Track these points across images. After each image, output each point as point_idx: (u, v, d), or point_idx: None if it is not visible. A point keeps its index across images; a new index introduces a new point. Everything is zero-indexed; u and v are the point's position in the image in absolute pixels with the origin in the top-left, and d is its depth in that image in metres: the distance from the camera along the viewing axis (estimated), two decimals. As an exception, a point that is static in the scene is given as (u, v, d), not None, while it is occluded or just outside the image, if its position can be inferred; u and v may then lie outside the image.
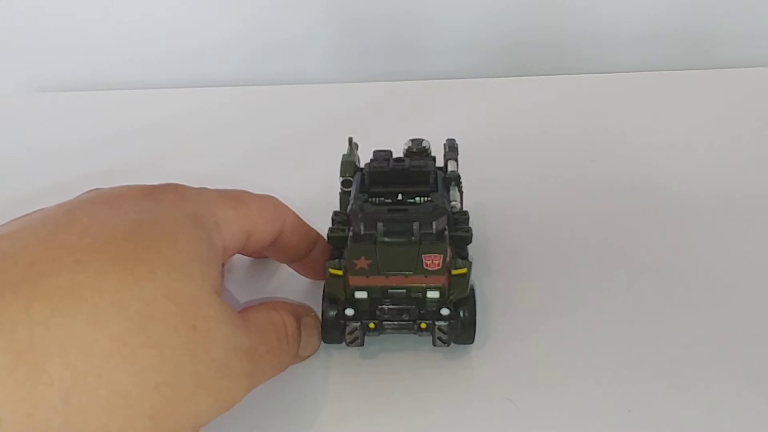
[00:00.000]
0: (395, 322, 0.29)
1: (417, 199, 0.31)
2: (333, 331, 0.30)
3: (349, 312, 0.29)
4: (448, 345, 0.30)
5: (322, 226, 0.32)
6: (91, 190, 0.26)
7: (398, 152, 0.33)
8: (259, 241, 0.29)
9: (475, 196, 0.36)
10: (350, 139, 0.35)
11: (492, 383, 0.29)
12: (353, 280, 0.28)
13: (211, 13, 0.57)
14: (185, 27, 0.58)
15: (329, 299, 0.29)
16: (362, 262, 0.28)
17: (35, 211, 0.25)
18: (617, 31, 0.57)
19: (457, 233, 0.30)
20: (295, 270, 0.34)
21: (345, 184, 0.33)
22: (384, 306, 0.29)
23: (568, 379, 0.30)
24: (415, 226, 0.28)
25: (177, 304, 0.23)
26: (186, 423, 0.23)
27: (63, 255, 0.22)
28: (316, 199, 0.33)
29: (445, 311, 0.29)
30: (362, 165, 0.33)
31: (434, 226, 0.28)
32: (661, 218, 0.39)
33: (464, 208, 0.32)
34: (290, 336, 0.28)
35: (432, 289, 0.28)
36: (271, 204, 0.30)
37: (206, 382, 0.23)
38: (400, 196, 0.31)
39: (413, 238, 0.28)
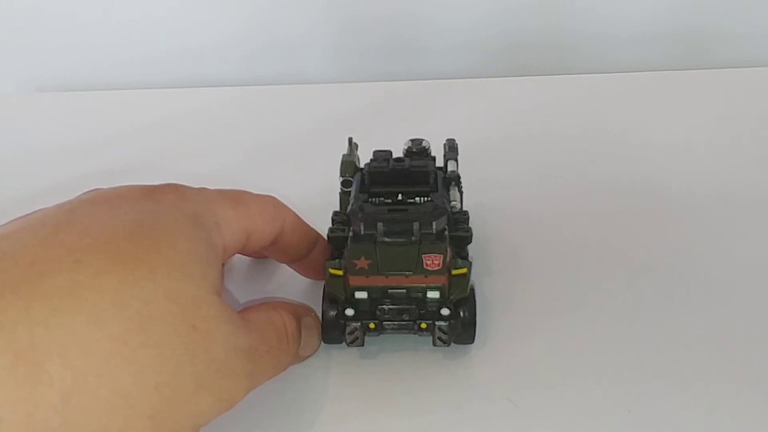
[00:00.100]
0: (395, 322, 0.29)
1: (417, 199, 0.31)
2: (333, 331, 0.30)
3: (349, 312, 0.29)
4: (448, 345, 0.30)
5: (322, 226, 0.32)
6: (91, 190, 0.26)
7: (398, 152, 0.33)
8: (259, 241, 0.29)
9: (475, 196, 0.36)
10: (350, 139, 0.35)
11: (492, 383, 0.29)
12: (353, 280, 0.28)
13: (211, 13, 0.57)
14: (185, 27, 0.58)
15: (329, 299, 0.29)
16: (362, 262, 0.28)
17: (35, 211, 0.25)
18: (617, 31, 0.58)
19: (457, 233, 0.30)
20: (295, 270, 0.34)
21: (345, 184, 0.33)
22: (384, 306, 0.29)
23: (568, 379, 0.30)
24: (415, 226, 0.28)
25: (177, 304, 0.23)
26: (186, 423, 0.23)
27: (63, 255, 0.22)
28: (316, 199, 0.33)
29: (445, 311, 0.29)
30: (362, 165, 0.33)
31: (434, 226, 0.28)
32: (661, 218, 0.39)
33: (464, 208, 0.32)
34: (290, 336, 0.28)
35: (432, 289, 0.28)
36: (271, 204, 0.30)
37: (206, 382, 0.23)
38: (400, 196, 0.31)
39: (413, 238, 0.28)
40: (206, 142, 0.48)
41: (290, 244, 0.31)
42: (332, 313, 0.29)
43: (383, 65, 0.59)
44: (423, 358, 0.31)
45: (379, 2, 0.57)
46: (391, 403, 0.29)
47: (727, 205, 0.40)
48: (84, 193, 0.26)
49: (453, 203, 0.32)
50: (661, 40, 0.58)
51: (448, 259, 0.28)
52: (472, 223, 0.31)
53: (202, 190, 0.28)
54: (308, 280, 0.34)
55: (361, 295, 0.29)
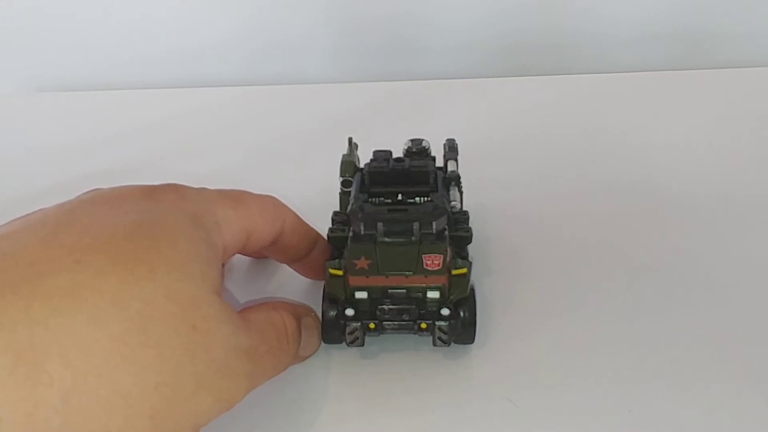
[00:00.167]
0: (395, 322, 0.29)
1: (417, 199, 0.31)
2: (333, 331, 0.30)
3: (350, 312, 0.29)
4: (449, 345, 0.30)
5: (322, 226, 0.32)
6: (91, 190, 0.26)
7: (398, 152, 0.33)
8: (259, 241, 0.29)
9: (475, 196, 0.36)
10: (350, 139, 0.35)
11: (492, 383, 0.29)
12: (353, 280, 0.28)
13: (211, 13, 0.57)
14: (185, 27, 0.58)
15: (329, 299, 0.29)
16: (362, 262, 0.28)
17: (35, 211, 0.25)
18: (617, 31, 0.58)
19: (457, 233, 0.30)
20: (295, 270, 0.34)
21: (345, 184, 0.33)
22: (384, 306, 0.29)
23: (568, 379, 0.30)
24: (415, 226, 0.28)
25: (177, 304, 0.23)
26: (186, 423, 0.23)
27: (63, 255, 0.22)
28: (316, 199, 0.33)
29: (445, 311, 0.29)
30: (362, 165, 0.33)
31: (434, 226, 0.28)
32: (661, 218, 0.39)
33: (464, 208, 0.32)
34: (290, 336, 0.28)
35: (432, 289, 0.28)
36: (271, 204, 0.30)
37: (206, 382, 0.23)
38: (400, 196, 0.31)
39: (413, 238, 0.28)
40: (206, 142, 0.48)
41: (290, 244, 0.31)
42: (332, 313, 0.29)
43: (383, 65, 0.59)
44: (423, 358, 0.31)
45: (379, 2, 0.57)
46: (391, 403, 0.29)
47: (727, 205, 0.40)
48: (84, 193, 0.26)
49: (453, 203, 0.32)
50: (661, 40, 0.58)
51: (448, 259, 0.28)
52: (472, 223, 0.31)
53: (202, 190, 0.28)
54: (308, 280, 0.34)
55: (361, 295, 0.29)
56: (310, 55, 0.59)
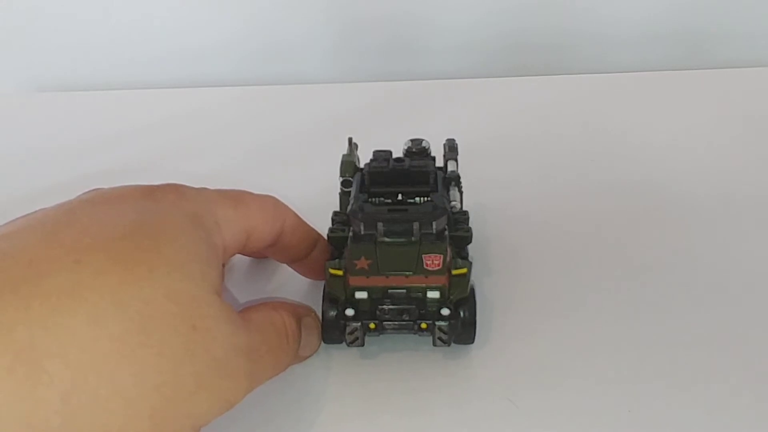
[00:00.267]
0: (395, 323, 0.29)
1: (417, 199, 0.31)
2: (333, 332, 0.30)
3: (350, 312, 0.29)
4: (449, 345, 0.30)
5: (322, 226, 0.32)
6: (91, 190, 0.26)
7: (398, 152, 0.33)
8: (259, 241, 0.29)
9: (475, 196, 0.36)
10: (350, 139, 0.35)
11: (492, 383, 0.29)
12: (353, 281, 0.28)
13: (211, 13, 0.57)
14: (185, 27, 0.58)
15: (329, 299, 0.29)
16: (362, 262, 0.28)
17: (35, 211, 0.25)
18: (617, 31, 0.58)
19: (457, 233, 0.30)
20: (295, 270, 0.34)
21: (345, 184, 0.33)
22: (384, 306, 0.29)
23: (568, 379, 0.30)
24: (415, 226, 0.28)
25: (177, 304, 0.23)
26: (186, 423, 0.23)
27: (62, 255, 0.22)
28: (316, 199, 0.33)
29: (445, 311, 0.29)
30: (362, 165, 0.33)
31: (434, 226, 0.28)
32: (661, 218, 0.39)
33: (464, 208, 0.32)
34: (290, 336, 0.28)
35: (432, 289, 0.28)
36: (271, 204, 0.30)
37: (206, 381, 0.23)
38: (400, 196, 0.31)
39: (413, 238, 0.28)
40: (206, 142, 0.48)
41: (290, 244, 0.31)
42: (332, 313, 0.29)
43: (383, 65, 0.59)
44: (423, 358, 0.31)
45: (379, 2, 0.57)
46: (391, 403, 0.29)
47: (727, 205, 0.40)
48: (84, 193, 0.26)
49: (453, 203, 0.32)
50: (661, 40, 0.58)
51: (448, 259, 0.28)
52: (472, 223, 0.31)
53: (202, 190, 0.28)
54: (308, 280, 0.34)
55: (361, 295, 0.29)
56: (310, 55, 0.59)
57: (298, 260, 0.33)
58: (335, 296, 0.29)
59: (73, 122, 0.52)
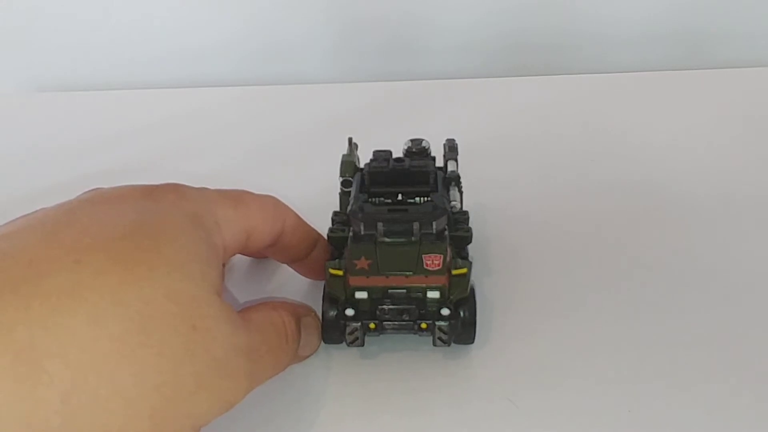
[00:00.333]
0: (395, 322, 0.29)
1: (417, 199, 0.31)
2: (333, 332, 0.30)
3: (350, 312, 0.29)
4: (449, 345, 0.30)
5: (322, 226, 0.32)
6: (91, 190, 0.26)
7: (398, 152, 0.33)
8: (259, 241, 0.29)
9: (475, 196, 0.36)
10: (350, 139, 0.35)
11: (492, 383, 0.29)
12: (353, 281, 0.28)
13: (211, 13, 0.57)
14: (185, 27, 0.58)
15: (329, 299, 0.29)
16: (362, 262, 0.28)
17: (35, 211, 0.25)
18: (617, 31, 0.58)
19: (457, 233, 0.30)
20: (295, 270, 0.34)
21: (345, 184, 0.33)
22: (384, 306, 0.29)
23: (568, 379, 0.30)
24: (415, 226, 0.28)
25: (177, 304, 0.23)
26: (186, 423, 0.23)
27: (62, 255, 0.22)
28: (316, 199, 0.33)
29: (445, 311, 0.29)
30: (362, 165, 0.33)
31: (434, 226, 0.28)
32: (661, 218, 0.39)
33: (464, 208, 0.32)
34: (290, 336, 0.28)
35: (432, 289, 0.28)
36: (271, 204, 0.30)
37: (206, 381, 0.23)
38: (400, 196, 0.31)
39: (413, 238, 0.28)
40: (206, 142, 0.48)
41: (290, 244, 0.31)
42: (332, 313, 0.29)
43: (383, 65, 0.59)
44: (423, 358, 0.31)
45: (379, 2, 0.57)
46: (391, 403, 0.29)
47: (727, 205, 0.40)
48: (84, 193, 0.26)
49: (453, 203, 0.32)
50: (661, 40, 0.58)
51: (448, 259, 0.28)
52: (472, 223, 0.31)
53: (202, 190, 0.28)
54: (308, 280, 0.34)
55: (361, 295, 0.29)
56: (310, 55, 0.59)
57: (298, 260, 0.33)
58: (335, 296, 0.29)
59: (73, 122, 0.52)
